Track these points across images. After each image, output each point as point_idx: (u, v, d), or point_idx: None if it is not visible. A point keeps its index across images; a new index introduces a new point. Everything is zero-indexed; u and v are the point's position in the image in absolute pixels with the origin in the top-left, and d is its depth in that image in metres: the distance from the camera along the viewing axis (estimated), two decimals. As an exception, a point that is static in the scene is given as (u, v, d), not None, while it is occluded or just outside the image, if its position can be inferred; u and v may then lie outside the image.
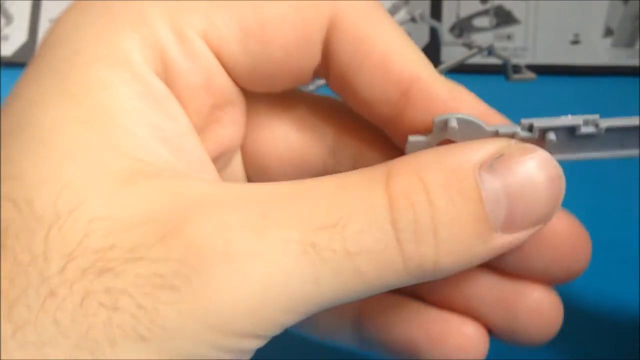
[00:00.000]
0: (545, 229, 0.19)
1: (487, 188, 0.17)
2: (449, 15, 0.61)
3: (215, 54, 0.19)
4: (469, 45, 0.50)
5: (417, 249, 0.17)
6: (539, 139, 0.19)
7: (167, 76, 0.19)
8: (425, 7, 0.61)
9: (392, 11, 0.63)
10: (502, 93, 0.55)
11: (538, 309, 0.20)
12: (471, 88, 0.57)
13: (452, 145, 0.18)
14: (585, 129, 0.19)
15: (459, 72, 0.50)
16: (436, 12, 0.61)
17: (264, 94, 0.21)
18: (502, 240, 0.18)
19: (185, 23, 0.18)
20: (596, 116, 0.19)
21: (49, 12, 0.62)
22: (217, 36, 0.19)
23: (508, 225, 0.17)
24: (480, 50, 0.47)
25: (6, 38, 0.61)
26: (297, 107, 0.22)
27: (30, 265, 0.15)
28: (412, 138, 0.19)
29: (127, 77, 0.18)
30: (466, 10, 0.60)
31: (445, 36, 0.59)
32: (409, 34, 0.66)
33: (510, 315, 0.21)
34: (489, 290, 0.21)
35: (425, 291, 0.22)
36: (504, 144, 0.18)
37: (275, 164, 0.22)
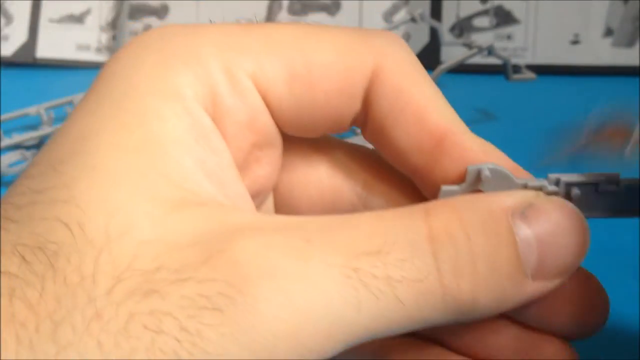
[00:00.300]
0: (567, 285, 0.20)
1: (519, 233, 0.18)
2: (449, 15, 0.61)
3: (261, 95, 0.20)
4: (469, 45, 0.50)
5: (456, 282, 0.17)
6: (565, 192, 0.20)
7: (215, 112, 0.19)
8: (425, 7, 0.61)
9: (392, 11, 0.63)
10: (502, 93, 0.55)
11: None
12: (471, 88, 0.57)
13: (485, 193, 0.19)
14: (605, 187, 0.20)
15: (459, 72, 0.50)
16: (436, 12, 0.61)
17: (300, 138, 0.22)
18: (532, 287, 0.18)
19: (236, 63, 0.19)
20: (617, 174, 0.20)
21: (49, 12, 0.62)
22: (264, 78, 0.20)
23: (538, 272, 0.18)
24: (480, 50, 0.47)
25: (6, 38, 0.62)
26: (332, 152, 0.23)
27: (78, 287, 0.15)
28: (445, 187, 0.19)
29: (179, 110, 0.18)
30: (466, 10, 0.61)
31: (445, 36, 0.59)
32: (409, 34, 0.66)
33: None
34: (508, 341, 0.21)
35: (446, 336, 0.22)
36: (534, 194, 0.19)
37: (305, 206, 0.22)
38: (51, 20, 0.63)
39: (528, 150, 0.47)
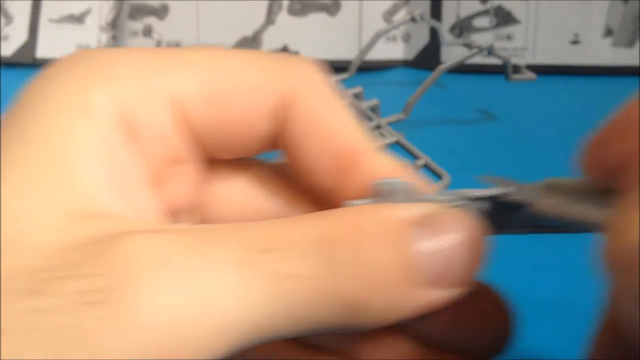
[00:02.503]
0: (465, 297, 0.20)
1: (416, 243, 0.18)
2: (449, 15, 0.61)
3: (177, 112, 0.21)
4: (469, 45, 0.50)
5: (345, 283, 0.18)
6: (474, 207, 0.21)
7: (128, 129, 0.20)
8: (425, 8, 0.61)
9: (392, 11, 0.63)
10: (502, 93, 0.55)
11: None
12: (471, 88, 0.58)
13: (384, 204, 0.20)
14: (506, 199, 0.21)
15: (459, 72, 0.50)
16: (436, 12, 0.61)
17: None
18: (426, 296, 0.19)
19: (151, 82, 0.20)
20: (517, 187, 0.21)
21: (49, 12, 0.62)
22: (180, 96, 0.20)
23: (432, 281, 0.19)
24: (481, 50, 0.47)
25: (6, 38, 0.62)
26: (255, 171, 0.24)
27: None
28: (348, 202, 0.20)
29: (90, 126, 0.19)
30: (466, 10, 0.61)
31: (445, 36, 0.59)
32: (409, 34, 0.66)
33: None
34: (409, 356, 0.21)
35: (355, 351, 0.22)
36: (435, 208, 0.19)
37: (229, 222, 0.23)
38: (51, 20, 0.63)
39: (528, 149, 0.47)
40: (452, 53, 0.59)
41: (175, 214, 0.22)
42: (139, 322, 0.15)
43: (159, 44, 0.62)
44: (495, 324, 0.21)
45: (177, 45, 0.62)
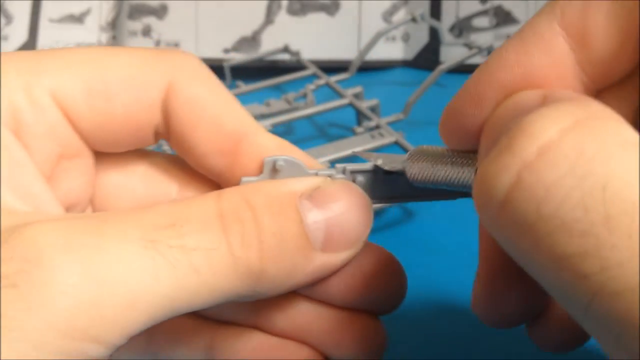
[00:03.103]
0: (360, 261, 0.22)
1: (306, 211, 0.20)
2: (449, 15, 0.61)
3: (62, 110, 0.21)
4: (469, 46, 0.50)
5: (245, 253, 0.19)
6: (352, 179, 0.23)
7: (16, 127, 0.21)
8: (424, 8, 0.61)
9: (392, 11, 0.63)
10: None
11: (362, 336, 0.23)
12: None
13: (275, 180, 0.21)
14: (382, 169, 0.22)
15: (459, 72, 0.50)
16: (435, 12, 0.61)
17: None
18: (323, 259, 0.20)
19: (35, 83, 0.21)
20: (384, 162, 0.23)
21: (49, 12, 0.62)
22: (62, 94, 0.21)
23: (326, 246, 0.20)
24: (481, 50, 0.48)
25: (6, 38, 0.62)
26: (143, 162, 0.25)
27: None
28: (244, 179, 0.22)
29: None
30: (465, 10, 0.61)
31: (445, 36, 0.59)
32: (409, 34, 0.66)
33: (338, 343, 0.23)
34: (317, 321, 0.23)
35: (265, 322, 0.23)
36: (322, 180, 0.21)
37: None
38: (51, 20, 0.63)
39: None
40: (452, 53, 0.59)
41: (73, 208, 0.23)
42: (49, 302, 0.16)
43: (157, 43, 0.62)
44: (388, 282, 0.23)
45: (177, 45, 0.62)
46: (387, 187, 0.23)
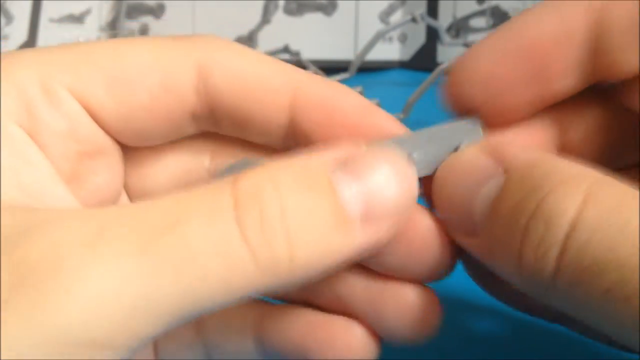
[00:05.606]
0: (405, 228, 0.20)
1: (340, 184, 0.18)
2: (446, 15, 0.61)
3: (83, 105, 0.20)
4: (469, 46, 0.50)
5: (266, 243, 0.17)
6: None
7: (31, 126, 0.20)
8: (422, 8, 0.61)
9: (389, 11, 0.63)
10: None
11: (407, 307, 0.21)
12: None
13: (312, 152, 0.19)
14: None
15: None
16: (432, 12, 0.62)
17: None
18: (363, 234, 0.18)
19: (52, 78, 0.20)
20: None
21: (49, 12, 0.62)
22: (82, 87, 0.20)
23: (367, 221, 0.18)
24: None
25: (6, 38, 0.61)
26: (190, 147, 0.23)
27: None
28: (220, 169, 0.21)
29: None
30: (463, 10, 0.61)
31: (444, 36, 0.59)
32: (406, 34, 0.66)
33: (381, 314, 0.21)
34: (360, 292, 0.21)
35: (312, 296, 0.22)
36: (354, 147, 0.19)
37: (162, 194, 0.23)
38: (51, 20, 0.62)
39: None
40: (450, 53, 0.59)
41: (103, 205, 0.22)
42: (45, 320, 0.15)
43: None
44: (431, 248, 0.21)
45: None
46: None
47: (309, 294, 0.22)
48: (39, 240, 0.16)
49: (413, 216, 0.20)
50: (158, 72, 0.20)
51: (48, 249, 0.16)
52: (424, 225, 0.21)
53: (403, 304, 0.21)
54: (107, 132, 0.21)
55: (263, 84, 0.20)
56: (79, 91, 0.20)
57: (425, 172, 0.20)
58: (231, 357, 0.23)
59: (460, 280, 0.29)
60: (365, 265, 0.21)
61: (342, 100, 0.21)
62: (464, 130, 0.21)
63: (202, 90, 0.21)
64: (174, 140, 0.23)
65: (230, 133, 0.21)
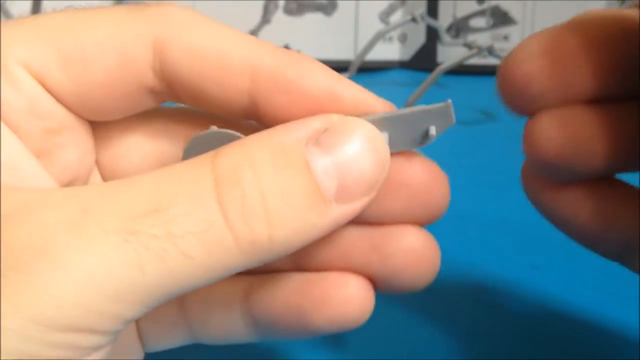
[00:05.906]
0: (399, 172, 0.20)
1: (315, 160, 0.18)
2: (446, 15, 0.61)
3: (39, 81, 0.20)
4: (469, 46, 0.50)
5: (247, 224, 0.17)
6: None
7: None
8: (422, 8, 0.61)
9: (389, 11, 0.63)
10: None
11: (411, 248, 0.20)
12: (470, 88, 0.58)
13: (277, 126, 0.19)
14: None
15: (458, 72, 0.50)
16: (433, 12, 0.62)
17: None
18: (339, 211, 0.18)
19: (7, 54, 0.20)
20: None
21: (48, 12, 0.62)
22: (37, 64, 0.20)
23: (341, 195, 0.18)
24: (481, 50, 0.48)
25: (5, 38, 0.62)
26: (146, 117, 0.23)
27: None
28: (213, 128, 0.20)
29: None
30: (463, 10, 0.61)
31: (445, 37, 0.59)
32: (406, 34, 0.66)
33: (386, 258, 0.21)
34: (361, 241, 0.21)
35: (303, 260, 0.21)
36: (326, 119, 0.18)
37: (134, 174, 0.23)
38: (51, 20, 0.63)
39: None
40: (449, 53, 0.59)
41: (73, 183, 0.22)
42: (27, 304, 0.16)
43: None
44: (428, 189, 0.20)
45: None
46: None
47: (298, 259, 0.21)
48: (22, 224, 0.16)
49: (409, 159, 0.20)
50: (113, 49, 0.20)
51: (32, 232, 0.16)
52: (421, 164, 0.20)
53: (408, 246, 0.21)
54: (67, 108, 0.21)
55: (221, 63, 0.20)
56: (35, 69, 0.20)
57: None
58: (217, 334, 0.23)
59: (461, 280, 0.29)
60: (358, 218, 0.20)
61: (308, 80, 0.20)
62: (436, 115, 0.20)
63: (158, 67, 0.20)
64: (148, 118, 0.22)
65: (194, 106, 0.21)
